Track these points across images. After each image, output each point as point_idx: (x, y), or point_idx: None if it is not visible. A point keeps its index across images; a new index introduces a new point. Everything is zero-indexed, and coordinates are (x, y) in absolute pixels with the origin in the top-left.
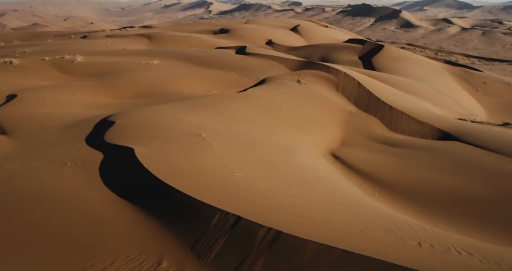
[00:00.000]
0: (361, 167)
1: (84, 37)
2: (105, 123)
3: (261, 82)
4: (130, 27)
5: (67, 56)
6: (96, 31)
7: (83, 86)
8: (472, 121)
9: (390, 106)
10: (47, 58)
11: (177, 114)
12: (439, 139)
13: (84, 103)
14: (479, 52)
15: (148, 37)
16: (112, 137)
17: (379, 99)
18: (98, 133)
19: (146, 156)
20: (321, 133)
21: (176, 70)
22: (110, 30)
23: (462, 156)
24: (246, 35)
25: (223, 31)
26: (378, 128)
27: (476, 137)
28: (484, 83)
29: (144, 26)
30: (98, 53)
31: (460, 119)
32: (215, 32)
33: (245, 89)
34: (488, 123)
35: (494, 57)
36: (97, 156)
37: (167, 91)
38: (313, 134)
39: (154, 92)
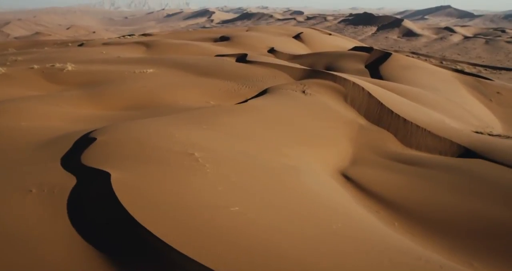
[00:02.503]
0: (375, 189)
1: (81, 45)
2: (85, 140)
3: (263, 92)
4: (130, 35)
5: (57, 65)
6: (93, 39)
7: (70, 97)
8: (489, 135)
9: (404, 119)
10: (36, 66)
11: (168, 130)
12: (459, 156)
13: (69, 115)
14: (483, 61)
15: (146, 45)
16: (90, 157)
17: (392, 112)
18: (76, 152)
19: (124, 183)
20: (329, 150)
21: (172, 79)
22: (108, 38)
23: (490, 177)
24: (247, 43)
25: (224, 38)
26: (391, 144)
27: (501, 153)
28: (498, 93)
29: (144, 34)
30: (91, 61)
31: (477, 132)
32: (215, 40)
33: (246, 100)
34: (508, 137)
35: (499, 65)
36: (69, 181)
37: (161, 102)
38: (321, 151)
39: (146, 103)
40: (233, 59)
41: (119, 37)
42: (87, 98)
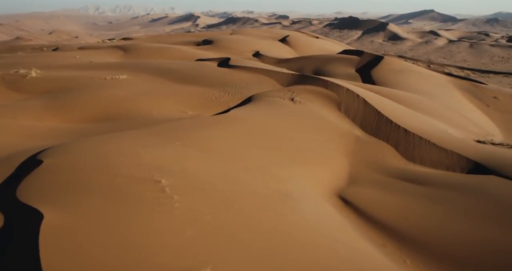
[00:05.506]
0: (379, 216)
1: (55, 49)
2: (30, 164)
3: (247, 100)
4: (110, 39)
5: (22, 71)
6: (71, 44)
7: (30, 107)
8: (492, 144)
9: (405, 130)
10: None
11: (133, 149)
12: (469, 171)
13: (26, 130)
14: (468, 64)
15: (123, 49)
16: (29, 187)
17: (391, 121)
18: (16, 179)
19: (57, 229)
20: (323, 167)
21: (146, 87)
22: (85, 42)
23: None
24: (231, 47)
25: (207, 42)
26: (392, 158)
27: None
28: (495, 98)
29: (124, 38)
30: (60, 67)
31: (479, 141)
32: (198, 44)
33: (227, 110)
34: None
35: (484, 69)
36: None
37: (132, 113)
38: (314, 169)
39: (115, 114)
40: (214, 64)
41: (97, 42)
42: (49, 109)
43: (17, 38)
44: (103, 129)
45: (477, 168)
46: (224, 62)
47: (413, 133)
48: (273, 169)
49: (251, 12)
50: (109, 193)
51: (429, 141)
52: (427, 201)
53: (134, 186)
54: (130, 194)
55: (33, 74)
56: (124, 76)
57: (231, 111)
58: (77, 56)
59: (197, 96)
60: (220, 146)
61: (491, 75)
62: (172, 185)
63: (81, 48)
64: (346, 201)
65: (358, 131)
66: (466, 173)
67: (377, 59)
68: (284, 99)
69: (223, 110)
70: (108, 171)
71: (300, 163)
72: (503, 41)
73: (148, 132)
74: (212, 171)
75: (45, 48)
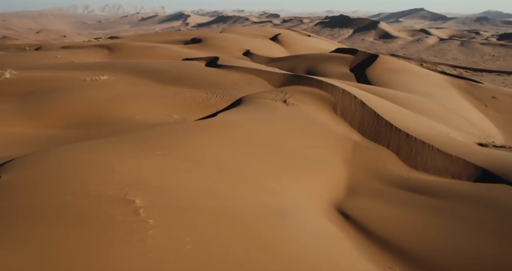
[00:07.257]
0: (383, 232)
1: (37, 49)
2: None
3: (237, 102)
4: (96, 38)
5: None
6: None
7: (0, 112)
8: (493, 146)
9: (407, 134)
10: None
11: (107, 160)
12: (477, 179)
13: None
14: (459, 63)
15: (109, 48)
16: None
17: (391, 125)
18: None
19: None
20: (320, 176)
21: (129, 88)
22: (68, 41)
23: None
24: (221, 45)
25: (195, 41)
26: (393, 165)
27: None
28: (493, 97)
29: (111, 37)
30: (39, 67)
31: (480, 144)
32: (186, 43)
33: (215, 114)
34: None
35: (475, 67)
36: None
37: (111, 117)
38: (309, 178)
39: (93, 119)
40: (202, 64)
41: (83, 41)
42: (21, 113)
43: (3, 37)
44: (78, 136)
45: (485, 175)
46: (212, 62)
47: (415, 138)
48: (265, 180)
49: (242, 11)
50: (73, 220)
51: (432, 146)
52: (434, 214)
53: (104, 209)
54: (97, 220)
55: (7, 75)
56: (105, 77)
57: (219, 115)
58: (59, 56)
59: (183, 98)
60: (206, 155)
61: (484, 73)
62: (148, 205)
63: (64, 47)
64: (345, 215)
65: (356, 136)
66: (474, 181)
67: (371, 58)
68: (276, 101)
69: (210, 113)
70: (75, 190)
71: (295, 173)
72: (494, 40)
73: (126, 141)
74: (196, 185)
75: (27, 48)
